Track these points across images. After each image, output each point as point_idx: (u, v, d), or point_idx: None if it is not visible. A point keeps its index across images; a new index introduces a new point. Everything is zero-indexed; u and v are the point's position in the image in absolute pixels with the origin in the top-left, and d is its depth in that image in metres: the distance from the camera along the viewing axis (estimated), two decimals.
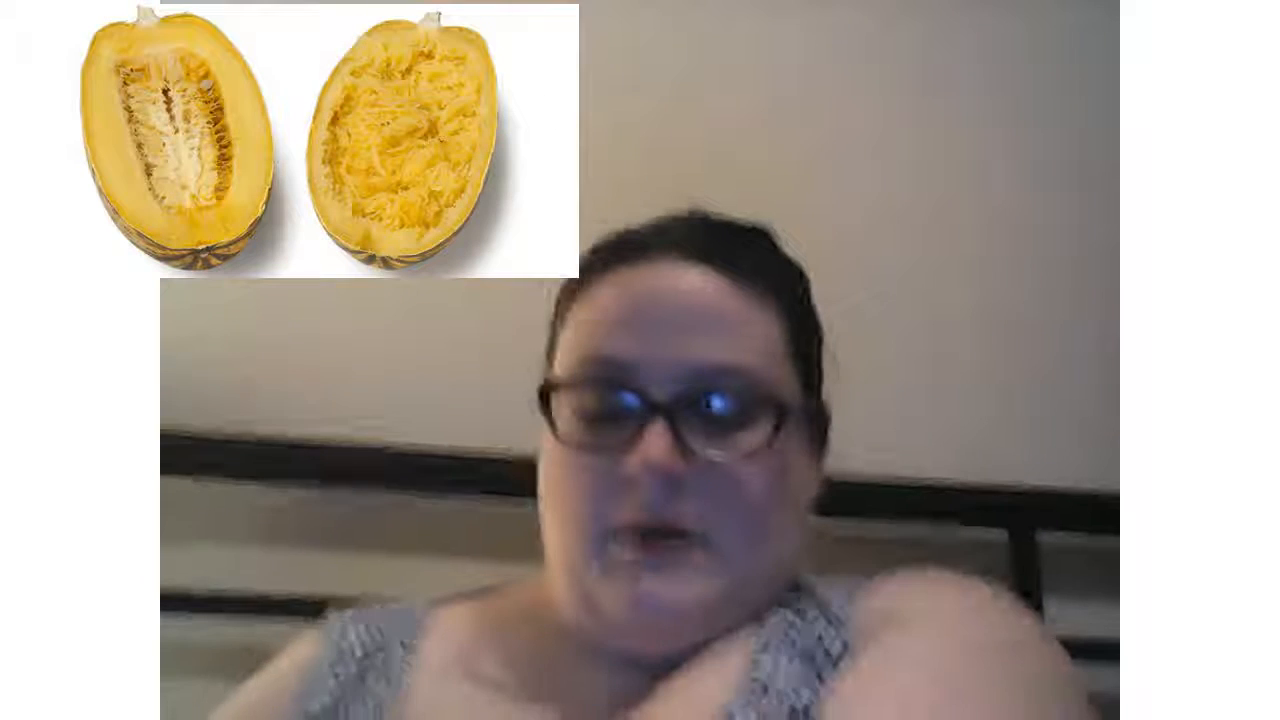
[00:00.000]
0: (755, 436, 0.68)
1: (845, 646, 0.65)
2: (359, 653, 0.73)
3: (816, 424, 0.76)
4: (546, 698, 0.69)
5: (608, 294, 0.71)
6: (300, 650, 0.76)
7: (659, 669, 0.68)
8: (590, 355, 0.70)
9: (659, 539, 0.66)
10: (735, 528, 0.68)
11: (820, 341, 0.78)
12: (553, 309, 0.76)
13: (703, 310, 0.70)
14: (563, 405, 0.70)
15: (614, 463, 0.67)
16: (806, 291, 0.78)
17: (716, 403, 0.68)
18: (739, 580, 0.68)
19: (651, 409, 0.67)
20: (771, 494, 0.69)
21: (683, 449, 0.66)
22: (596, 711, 0.68)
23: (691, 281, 0.71)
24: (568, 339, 0.73)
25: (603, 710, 0.68)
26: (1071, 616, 1.29)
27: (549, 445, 0.71)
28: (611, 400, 0.69)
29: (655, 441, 0.66)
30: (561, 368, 0.72)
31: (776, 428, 0.68)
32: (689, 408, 0.67)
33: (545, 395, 0.70)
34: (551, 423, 0.70)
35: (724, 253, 0.72)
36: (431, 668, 0.72)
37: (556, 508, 0.71)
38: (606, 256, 0.73)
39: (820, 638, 0.66)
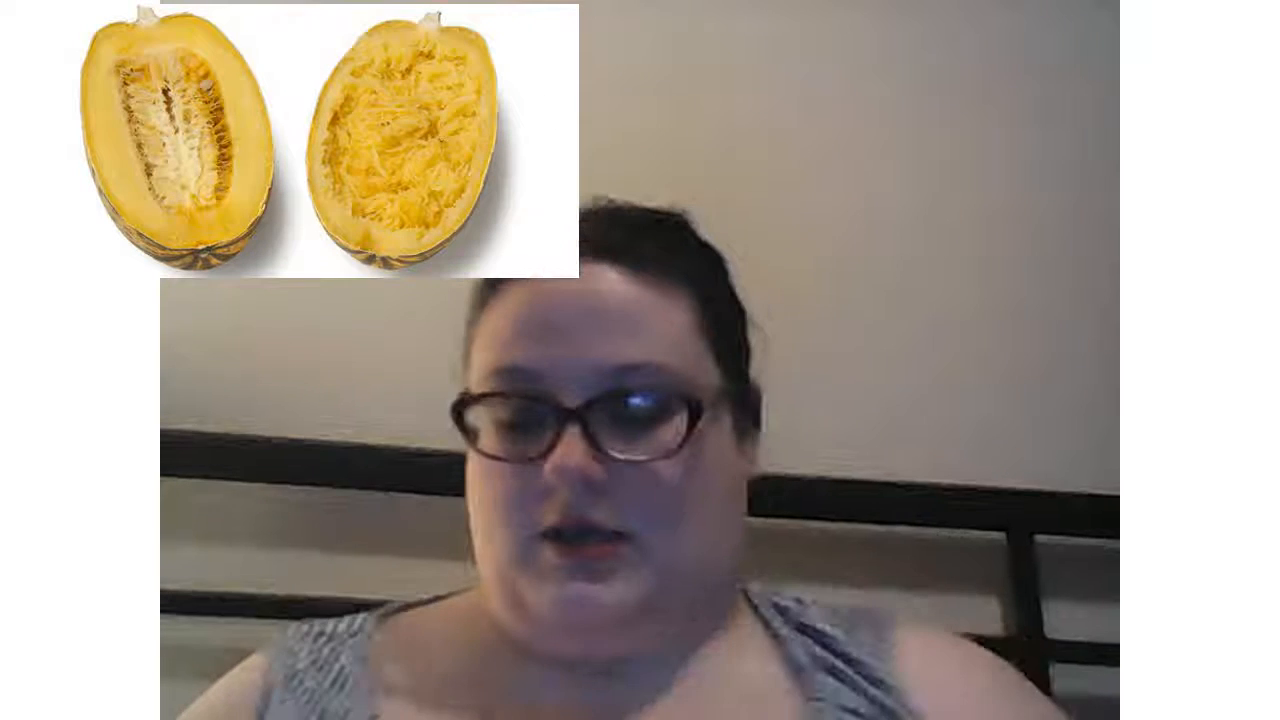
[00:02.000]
0: (671, 433, 0.68)
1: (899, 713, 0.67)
2: (313, 671, 0.71)
3: (745, 406, 0.75)
4: (499, 708, 0.69)
5: (511, 301, 0.71)
6: (248, 673, 0.74)
7: (598, 674, 0.68)
8: (499, 366, 0.70)
9: (583, 540, 0.67)
10: (659, 522, 0.68)
11: (744, 322, 0.77)
12: (465, 319, 0.75)
13: (606, 309, 0.70)
14: (481, 415, 0.71)
15: (532, 470, 0.67)
16: (723, 275, 0.77)
17: (629, 402, 0.68)
18: (668, 575, 0.68)
19: (564, 415, 0.67)
20: (694, 486, 0.69)
21: (597, 452, 0.66)
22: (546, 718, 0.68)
23: (594, 281, 0.70)
24: (479, 349, 0.72)
25: (553, 718, 0.68)
26: (1069, 619, 1.29)
27: (472, 456, 0.71)
28: (525, 409, 0.69)
29: (569, 447, 0.66)
30: (476, 378, 0.72)
31: (691, 423, 0.68)
32: (601, 409, 0.67)
33: (460, 409, 0.70)
34: (466, 435, 0.70)
35: (627, 247, 0.71)
36: (387, 683, 0.71)
37: (482, 517, 0.71)
38: None
39: (874, 700, 0.67)
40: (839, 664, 0.70)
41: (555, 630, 0.68)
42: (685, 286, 0.72)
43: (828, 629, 0.73)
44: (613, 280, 0.70)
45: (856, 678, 0.69)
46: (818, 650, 0.71)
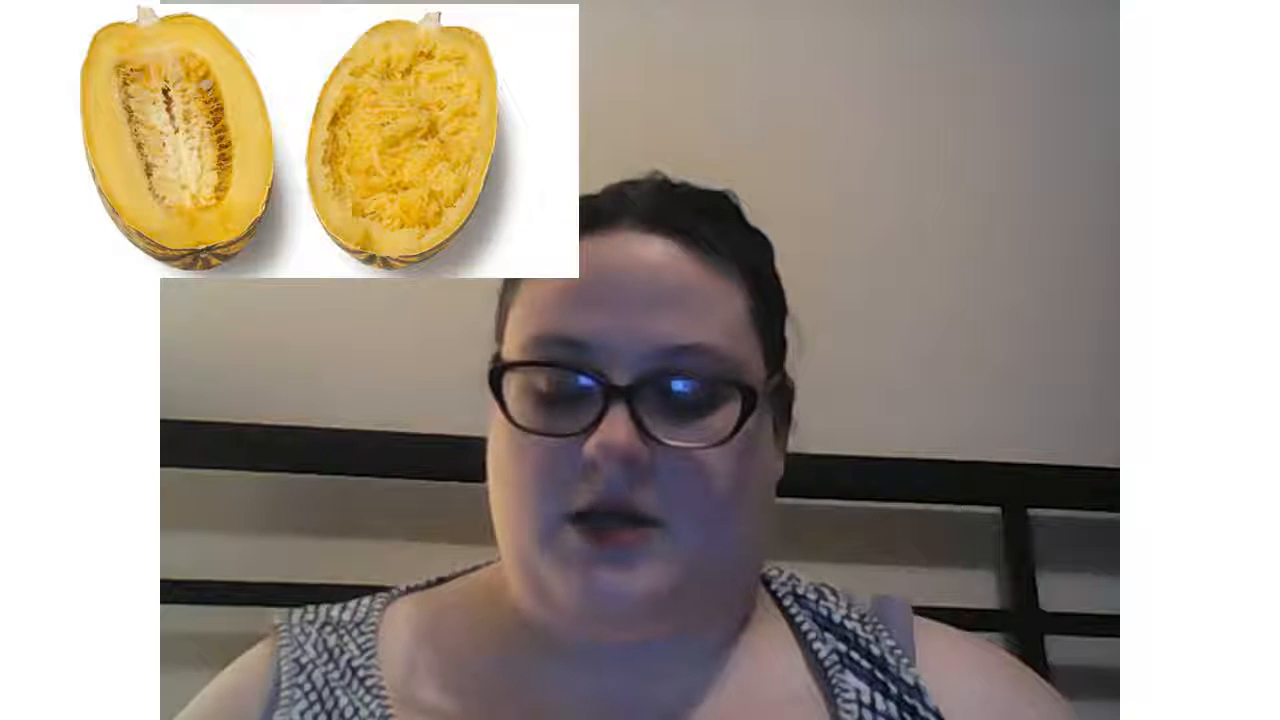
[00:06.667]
0: (720, 421, 0.65)
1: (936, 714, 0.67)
2: (319, 664, 0.69)
3: (781, 400, 0.73)
4: (514, 700, 0.68)
5: None
6: (253, 666, 0.71)
7: (622, 670, 0.67)
8: (545, 334, 0.66)
9: (615, 526, 0.64)
10: (696, 515, 0.65)
11: (784, 314, 0.74)
12: (501, 282, 0.72)
13: (665, 285, 0.66)
14: (510, 384, 0.67)
15: (571, 447, 0.64)
16: (770, 261, 0.74)
17: (680, 385, 0.65)
18: (697, 568, 0.65)
19: (611, 392, 0.63)
20: (736, 480, 0.66)
21: (644, 434, 0.63)
22: (566, 712, 0.67)
23: (652, 254, 0.67)
24: (520, 314, 0.69)
25: (572, 711, 0.67)
26: (1063, 592, 1.31)
27: (499, 427, 0.68)
28: (567, 381, 0.65)
29: (616, 426, 0.63)
30: (513, 345, 0.68)
31: (744, 414, 0.65)
32: (650, 390, 0.64)
33: (498, 376, 0.67)
34: (504, 405, 0.66)
35: (686, 222, 0.69)
36: (397, 674, 0.69)
37: (507, 492, 0.67)
38: None
39: (897, 700, 0.67)
40: (863, 663, 0.69)
41: (578, 617, 0.65)
42: (739, 270, 0.69)
43: (851, 626, 0.72)
44: (671, 255, 0.67)
45: (880, 677, 0.68)
46: (841, 648, 0.70)
